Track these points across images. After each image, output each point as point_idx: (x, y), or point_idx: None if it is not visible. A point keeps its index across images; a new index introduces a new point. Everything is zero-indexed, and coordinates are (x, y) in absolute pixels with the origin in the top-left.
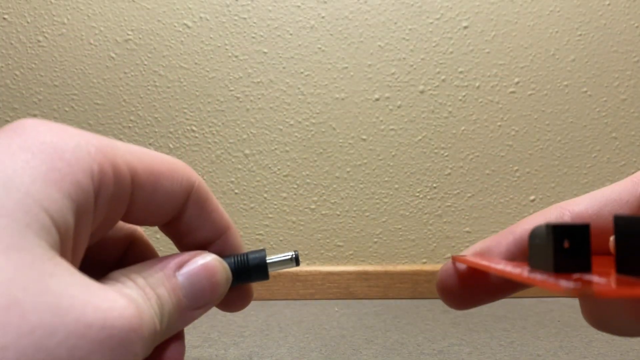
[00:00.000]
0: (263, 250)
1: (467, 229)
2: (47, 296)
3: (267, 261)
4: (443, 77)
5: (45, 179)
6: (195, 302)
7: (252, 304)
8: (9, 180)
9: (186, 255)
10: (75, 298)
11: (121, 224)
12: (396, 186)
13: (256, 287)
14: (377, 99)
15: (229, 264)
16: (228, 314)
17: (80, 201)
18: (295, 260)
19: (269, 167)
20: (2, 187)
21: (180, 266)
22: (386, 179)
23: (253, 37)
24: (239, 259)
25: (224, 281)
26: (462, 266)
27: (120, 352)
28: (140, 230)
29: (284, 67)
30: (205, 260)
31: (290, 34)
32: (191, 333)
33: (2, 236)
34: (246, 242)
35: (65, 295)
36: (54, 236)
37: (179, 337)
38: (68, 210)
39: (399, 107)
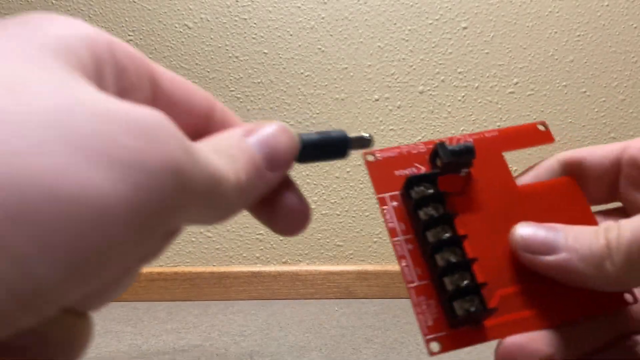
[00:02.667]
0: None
1: None
2: (66, 88)
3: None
4: (442, 77)
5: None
6: (269, 162)
7: (252, 303)
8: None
9: (251, 124)
10: (95, 95)
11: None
12: None
13: (256, 286)
14: (377, 100)
15: (308, 138)
16: (228, 313)
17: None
18: (370, 140)
19: None
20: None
21: (247, 134)
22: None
23: (253, 38)
24: (320, 135)
25: (291, 143)
26: None
27: (154, 139)
28: (220, 105)
29: (284, 68)
30: (269, 124)
31: (291, 35)
32: (191, 332)
33: (23, 48)
34: (246, 242)
35: (84, 91)
36: (78, 67)
37: (288, 188)
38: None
39: (398, 107)
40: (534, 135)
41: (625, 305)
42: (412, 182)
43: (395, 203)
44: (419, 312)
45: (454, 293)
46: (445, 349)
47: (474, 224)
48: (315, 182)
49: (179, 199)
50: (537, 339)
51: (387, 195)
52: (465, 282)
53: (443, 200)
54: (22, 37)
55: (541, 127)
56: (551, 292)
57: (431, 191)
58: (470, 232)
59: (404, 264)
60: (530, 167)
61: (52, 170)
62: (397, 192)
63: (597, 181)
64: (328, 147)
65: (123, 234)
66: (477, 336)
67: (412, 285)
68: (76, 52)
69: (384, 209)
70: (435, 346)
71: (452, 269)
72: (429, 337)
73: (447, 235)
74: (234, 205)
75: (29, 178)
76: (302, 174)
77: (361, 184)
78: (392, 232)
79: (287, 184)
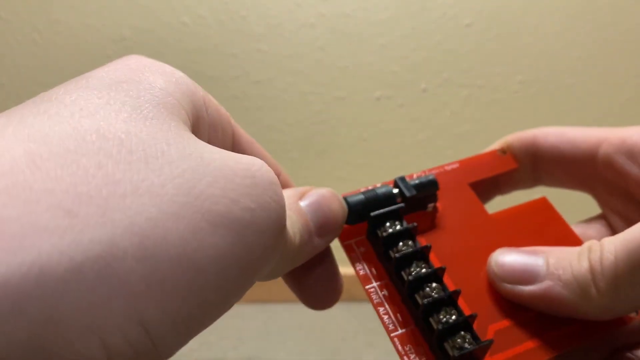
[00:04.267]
0: (389, 185)
1: None
2: (189, 149)
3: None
4: (446, 75)
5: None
6: (320, 228)
7: (251, 306)
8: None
9: (302, 188)
10: (215, 153)
11: None
12: None
13: (255, 289)
14: (379, 98)
15: (354, 199)
16: (226, 316)
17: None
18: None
19: None
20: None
21: (301, 196)
22: (387, 179)
23: (252, 36)
24: (365, 194)
25: (342, 210)
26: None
27: (267, 200)
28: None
29: (283, 66)
30: (321, 190)
31: (290, 32)
32: None
33: (141, 109)
34: None
35: (206, 151)
36: (187, 122)
37: (326, 259)
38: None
39: (400, 106)
40: (496, 163)
41: (629, 321)
42: (376, 220)
43: (362, 249)
44: None
45: (443, 332)
46: None
47: (448, 260)
48: (315, 182)
49: (276, 254)
50: None
51: (353, 241)
52: (453, 317)
53: (413, 235)
54: (135, 95)
55: (500, 153)
56: (545, 322)
57: (398, 227)
58: (448, 269)
59: (382, 311)
60: (498, 146)
61: (180, 236)
62: (363, 237)
63: (567, 166)
64: (375, 205)
65: (233, 289)
66: None
67: (395, 334)
68: (183, 106)
69: (351, 257)
70: None
71: (436, 306)
72: None
73: (424, 270)
74: (284, 266)
75: (161, 244)
76: (303, 174)
77: (362, 184)
78: (365, 280)
79: (326, 257)
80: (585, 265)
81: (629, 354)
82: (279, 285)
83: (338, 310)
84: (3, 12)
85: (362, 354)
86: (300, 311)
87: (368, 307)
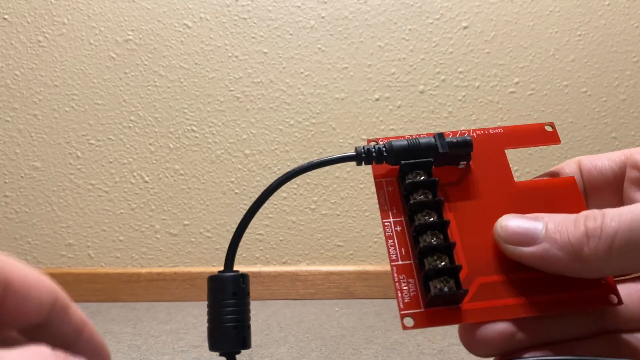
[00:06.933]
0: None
1: None
2: None
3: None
4: (443, 77)
5: None
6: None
7: (252, 303)
8: None
9: None
10: None
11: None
12: None
13: (256, 286)
14: (377, 99)
15: (402, 145)
16: None
17: None
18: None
19: (269, 167)
20: None
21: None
22: None
23: (253, 37)
24: (412, 141)
25: None
26: None
27: None
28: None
29: (284, 67)
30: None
31: (290, 34)
32: (191, 333)
33: None
34: (245, 243)
35: None
36: None
37: None
38: None
39: (398, 107)
40: (540, 136)
41: (610, 305)
42: (406, 168)
43: (390, 188)
44: (397, 289)
45: (430, 272)
46: (417, 325)
47: (466, 213)
48: (315, 182)
49: None
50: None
51: (384, 180)
52: (443, 263)
53: (434, 188)
54: None
55: (548, 128)
56: (534, 285)
57: (423, 178)
58: (462, 221)
59: (390, 243)
60: (552, 169)
61: None
62: (393, 178)
63: (608, 188)
64: (415, 153)
65: None
66: (450, 317)
67: (395, 263)
68: None
69: (379, 193)
70: (408, 321)
71: (433, 251)
72: (403, 312)
73: (432, 219)
74: None
75: None
76: (302, 174)
77: (361, 184)
78: (384, 214)
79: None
80: (581, 229)
81: (617, 336)
82: (280, 284)
83: (338, 307)
84: (8, 14)
85: (361, 349)
86: (300, 308)
87: (367, 305)
